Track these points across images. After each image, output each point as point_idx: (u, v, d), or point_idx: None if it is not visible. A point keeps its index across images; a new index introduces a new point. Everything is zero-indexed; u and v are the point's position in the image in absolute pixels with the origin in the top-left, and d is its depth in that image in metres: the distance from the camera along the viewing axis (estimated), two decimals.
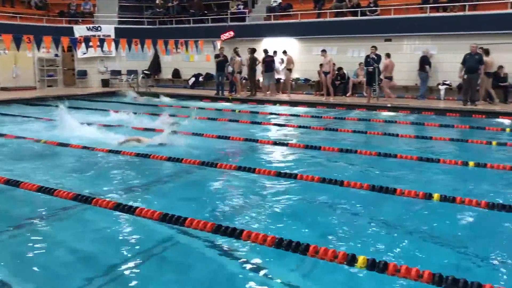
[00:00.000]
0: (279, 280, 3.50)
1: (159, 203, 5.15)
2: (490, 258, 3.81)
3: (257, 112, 13.44)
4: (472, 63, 13.22)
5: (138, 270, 3.67)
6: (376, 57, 14.42)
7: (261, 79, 17.15)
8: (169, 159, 6.96)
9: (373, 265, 3.36)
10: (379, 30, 16.37)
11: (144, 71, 20.74)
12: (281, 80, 17.65)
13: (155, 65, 21.51)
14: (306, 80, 17.89)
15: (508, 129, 10.29)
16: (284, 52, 17.26)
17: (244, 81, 18.07)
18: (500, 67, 14.22)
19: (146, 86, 19.70)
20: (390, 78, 15.21)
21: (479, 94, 13.88)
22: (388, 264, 3.33)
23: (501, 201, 4.86)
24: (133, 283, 3.49)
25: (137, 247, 4.08)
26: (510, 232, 4.38)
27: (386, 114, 13.06)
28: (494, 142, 8.50)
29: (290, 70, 17.08)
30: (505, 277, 3.51)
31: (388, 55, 14.90)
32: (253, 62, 16.58)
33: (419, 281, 3.19)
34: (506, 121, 11.53)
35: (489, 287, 3.02)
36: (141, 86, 19.43)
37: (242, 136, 8.93)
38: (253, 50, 16.74)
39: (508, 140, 8.85)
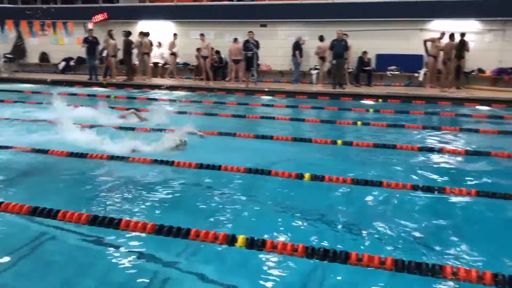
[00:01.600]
0: (163, 267, 3.48)
1: (26, 197, 4.79)
2: (355, 229, 4.17)
3: (135, 98, 13.03)
4: (339, 49, 14.18)
5: (9, 270, 3.40)
6: (255, 42, 14.77)
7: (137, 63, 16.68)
8: (36, 150, 6.46)
9: (252, 244, 3.50)
10: (255, 16, 16.77)
11: (6, 55, 18.92)
12: (159, 64, 17.32)
13: (19, 49, 19.72)
14: (185, 64, 17.74)
15: (371, 110, 11.25)
16: (175, 35, 16.94)
17: (120, 65, 17.38)
18: (364, 52, 15.44)
19: (10, 71, 18.00)
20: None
21: (346, 78, 14.95)
22: (266, 242, 3.49)
23: (364, 177, 5.31)
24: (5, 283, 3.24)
25: (5, 245, 3.78)
26: (372, 205, 4.81)
27: (265, 97, 13.48)
28: (359, 122, 9.25)
29: (174, 54, 16.83)
30: (366, 243, 3.86)
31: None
32: (128, 45, 15.98)
33: (294, 255, 3.40)
34: (369, 103, 12.59)
35: (355, 254, 3.31)
36: (3, 72, 17.72)
37: (117, 124, 8.54)
38: (127, 33, 16.11)
39: (372, 120, 9.69)
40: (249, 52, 14.69)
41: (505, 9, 14.36)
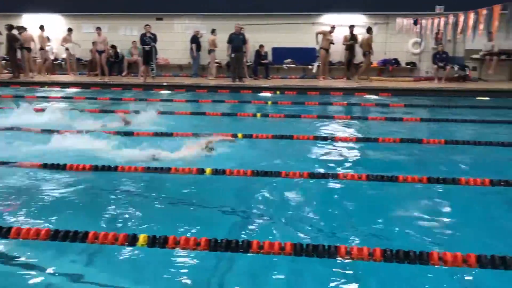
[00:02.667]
0: (61, 273, 3.32)
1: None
2: (256, 219, 4.29)
3: (22, 96, 12.15)
4: (238, 43, 14.36)
5: None
6: (152, 36, 14.45)
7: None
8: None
9: (154, 241, 3.46)
10: (150, 9, 16.40)
11: None
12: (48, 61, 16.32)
13: None
14: (78, 59, 16.87)
15: (269, 102, 11.56)
16: (70, 29, 15.96)
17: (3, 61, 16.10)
18: (261, 46, 15.78)
19: None
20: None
21: (245, 71, 15.19)
22: (168, 238, 3.47)
23: (264, 169, 5.44)
24: None
25: None
26: (271, 194, 4.92)
27: (164, 92, 13.26)
28: (258, 114, 9.47)
29: (68, 49, 15.91)
30: (268, 231, 3.99)
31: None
32: (11, 40, 14.81)
33: (197, 250, 3.42)
34: (268, 95, 12.94)
35: (256, 242, 3.41)
36: None
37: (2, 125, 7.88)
38: (10, 27, 14.93)
39: (270, 112, 9.97)
40: (147, 46, 14.35)
41: (388, 4, 15.46)
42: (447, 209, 4.62)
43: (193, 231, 3.92)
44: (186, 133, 7.21)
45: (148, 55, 14.46)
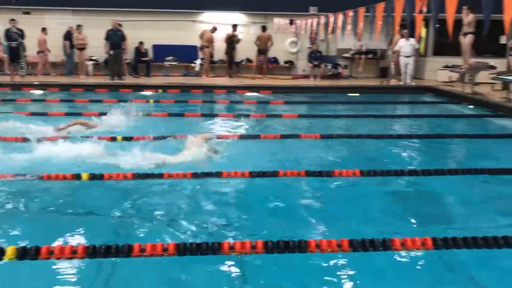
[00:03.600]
0: None
1: None
2: (140, 221, 4.18)
3: None
4: (116, 39, 13.83)
5: None
6: (19, 32, 13.32)
7: None
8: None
9: (24, 253, 3.19)
10: (17, 2, 15.12)
11: None
12: None
13: None
14: None
15: (151, 101, 11.30)
16: None
17: None
18: (141, 43, 15.37)
19: None
20: None
21: (124, 69, 14.69)
22: (41, 248, 3.23)
23: (147, 171, 5.29)
24: None
25: None
26: (152, 196, 4.82)
27: (35, 92, 12.29)
28: (141, 113, 9.19)
29: None
30: (156, 233, 3.90)
31: None
32: None
33: (75, 258, 3.23)
34: (150, 93, 12.64)
35: (138, 245, 3.31)
36: None
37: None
38: None
39: (153, 111, 9.76)
40: (13, 42, 13.20)
41: (266, 4, 15.96)
42: (323, 200, 4.88)
43: (71, 239, 3.70)
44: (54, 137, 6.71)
45: (15, 52, 13.32)
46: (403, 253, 3.54)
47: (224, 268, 3.35)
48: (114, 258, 3.28)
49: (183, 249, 3.33)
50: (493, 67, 13.59)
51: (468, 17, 12.01)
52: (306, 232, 3.94)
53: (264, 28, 15.50)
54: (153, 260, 3.29)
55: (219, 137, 7.13)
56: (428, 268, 3.55)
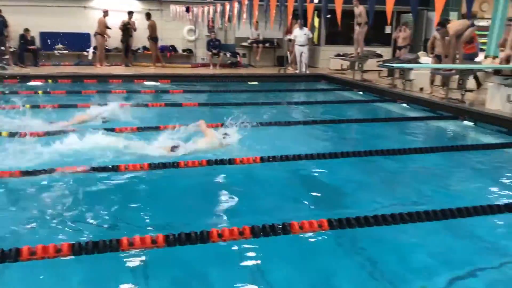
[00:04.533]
0: None
1: None
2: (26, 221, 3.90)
3: None
4: None
5: None
6: None
7: None
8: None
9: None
10: None
11: None
12: None
13: None
14: None
15: (40, 92, 10.55)
16: None
17: None
18: (26, 30, 14.26)
19: None
20: None
21: (8, 58, 13.56)
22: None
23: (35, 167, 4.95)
24: None
25: None
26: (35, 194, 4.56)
27: None
28: (28, 106, 8.53)
29: None
30: (47, 233, 3.66)
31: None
32: None
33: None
34: (38, 84, 11.79)
35: (27, 249, 3.08)
36: None
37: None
38: None
39: (43, 102, 9.10)
40: None
41: None
42: (224, 189, 4.91)
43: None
44: None
45: None
46: (302, 235, 3.67)
47: (121, 265, 3.26)
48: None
49: (78, 249, 3.17)
50: (379, 55, 14.55)
51: (359, 8, 12.71)
52: (207, 222, 3.94)
53: (148, 16, 15.09)
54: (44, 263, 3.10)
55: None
56: (326, 248, 3.72)
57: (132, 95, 10.81)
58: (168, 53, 16.08)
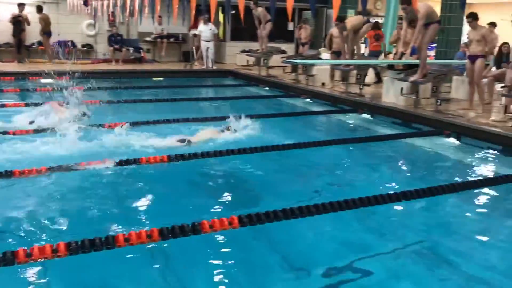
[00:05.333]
0: None
1: None
2: None
3: None
4: None
5: None
6: None
7: None
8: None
9: None
10: None
11: None
12: None
13: None
14: None
15: None
16: None
17: None
18: None
19: None
20: None
21: None
22: None
23: None
24: None
25: None
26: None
27: None
28: None
29: None
30: None
31: None
32: None
33: None
34: None
35: None
36: None
37: None
38: None
39: None
40: None
41: None
42: (131, 190, 4.75)
43: None
44: None
45: None
46: (214, 234, 3.65)
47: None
48: None
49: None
50: (284, 52, 14.92)
51: (258, 11, 12.87)
52: (113, 227, 3.78)
53: (39, 8, 14.15)
54: None
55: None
56: (239, 245, 3.73)
57: (26, 93, 10.08)
58: (66, 49, 15.17)
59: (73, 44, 15.49)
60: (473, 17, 8.29)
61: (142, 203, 4.48)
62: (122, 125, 6.41)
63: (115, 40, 14.99)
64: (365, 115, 8.90)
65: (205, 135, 6.51)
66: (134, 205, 4.43)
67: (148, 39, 16.18)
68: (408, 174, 6.02)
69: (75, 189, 4.63)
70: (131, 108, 8.95)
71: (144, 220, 4.07)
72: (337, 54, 11.27)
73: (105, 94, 10.55)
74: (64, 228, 3.82)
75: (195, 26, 15.15)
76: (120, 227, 3.77)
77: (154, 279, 3.17)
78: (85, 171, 4.98)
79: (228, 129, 6.69)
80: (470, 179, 5.59)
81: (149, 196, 4.66)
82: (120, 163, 5.17)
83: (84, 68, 13.60)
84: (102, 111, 8.37)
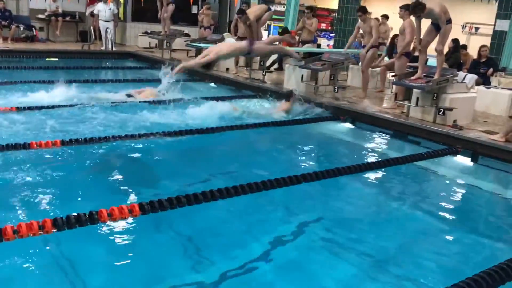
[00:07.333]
0: None
1: None
2: None
3: None
4: None
5: None
6: None
7: None
8: None
9: None
10: None
11: None
12: None
13: None
14: None
15: None
16: None
17: None
18: None
19: None
20: None
21: None
22: None
23: None
24: None
25: None
26: None
27: None
28: None
29: None
30: None
31: None
32: None
33: None
34: None
35: None
36: None
37: None
38: None
39: None
40: None
41: None
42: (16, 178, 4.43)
43: None
44: None
45: None
46: (112, 223, 3.54)
47: None
48: None
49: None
50: (187, 35, 14.70)
51: None
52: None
53: None
54: None
55: None
56: (142, 233, 3.65)
57: None
58: None
59: None
60: (362, 11, 8.86)
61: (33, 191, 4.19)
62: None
63: (2, 16, 13.76)
64: (267, 101, 9.03)
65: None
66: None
67: (41, 16, 15.06)
68: (307, 157, 6.27)
69: None
70: (22, 88, 8.28)
71: (39, 209, 3.81)
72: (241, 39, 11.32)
73: None
74: None
75: (92, 3, 14.37)
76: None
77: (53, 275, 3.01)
78: None
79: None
80: (364, 161, 5.96)
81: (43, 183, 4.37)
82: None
83: None
84: None
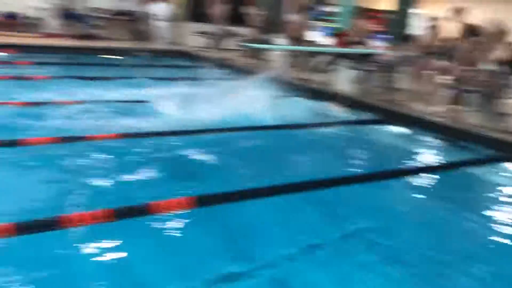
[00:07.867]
0: None
1: None
2: None
3: None
4: None
5: None
6: None
7: None
8: None
9: None
10: None
11: None
12: None
13: None
14: None
15: None
16: None
17: None
18: None
19: None
20: None
21: None
22: None
23: None
24: None
25: None
26: None
27: None
28: None
29: None
30: None
31: None
32: None
33: None
34: None
35: None
36: None
37: None
38: None
39: None
40: None
41: None
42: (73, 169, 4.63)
43: None
44: None
45: None
46: (163, 216, 3.63)
47: None
48: None
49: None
50: (240, 35, 14.86)
51: None
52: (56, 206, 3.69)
53: None
54: None
55: None
56: (189, 227, 3.73)
57: None
58: (10, 21, 14.37)
59: (14, 17, 14.70)
60: None
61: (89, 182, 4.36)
62: None
63: (67, 14, 14.41)
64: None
65: None
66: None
67: (102, 15, 15.64)
68: (355, 159, 6.17)
69: None
70: (83, 84, 8.63)
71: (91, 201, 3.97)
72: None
73: (57, 69, 10.20)
74: None
75: (148, 2, 14.78)
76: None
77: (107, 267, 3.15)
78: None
79: None
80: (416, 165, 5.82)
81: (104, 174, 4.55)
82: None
83: (34, 42, 13.07)
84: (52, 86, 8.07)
